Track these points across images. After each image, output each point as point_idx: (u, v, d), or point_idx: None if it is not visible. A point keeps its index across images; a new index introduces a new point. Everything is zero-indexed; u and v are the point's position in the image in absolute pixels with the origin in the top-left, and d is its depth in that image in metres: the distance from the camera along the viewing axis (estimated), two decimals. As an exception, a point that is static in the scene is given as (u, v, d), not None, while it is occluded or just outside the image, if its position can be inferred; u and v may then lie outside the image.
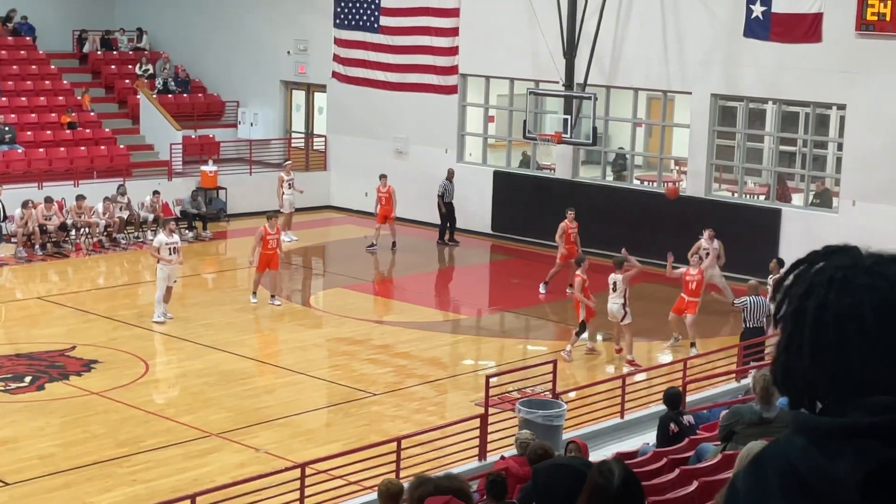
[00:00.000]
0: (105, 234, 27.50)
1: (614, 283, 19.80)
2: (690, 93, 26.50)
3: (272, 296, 22.96)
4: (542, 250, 27.55)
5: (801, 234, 24.55)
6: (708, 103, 26.16)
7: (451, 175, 28.65)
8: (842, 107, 24.72)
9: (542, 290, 24.04)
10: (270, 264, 22.80)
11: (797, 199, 26.20)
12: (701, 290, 20.16)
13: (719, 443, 10.57)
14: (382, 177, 27.91)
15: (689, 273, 20.18)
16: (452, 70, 29.12)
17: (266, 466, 14.21)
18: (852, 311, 1.74)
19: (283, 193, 28.60)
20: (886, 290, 1.75)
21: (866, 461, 1.66)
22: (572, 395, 16.14)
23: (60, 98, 32.64)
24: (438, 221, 29.00)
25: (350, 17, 30.76)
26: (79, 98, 32.80)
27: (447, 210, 28.49)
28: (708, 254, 22.18)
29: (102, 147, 31.26)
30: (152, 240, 23.90)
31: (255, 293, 22.95)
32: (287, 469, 12.96)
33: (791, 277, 1.84)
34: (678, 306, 20.17)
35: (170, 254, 21.42)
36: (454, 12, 29.00)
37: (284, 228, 26.96)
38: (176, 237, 22.10)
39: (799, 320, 1.80)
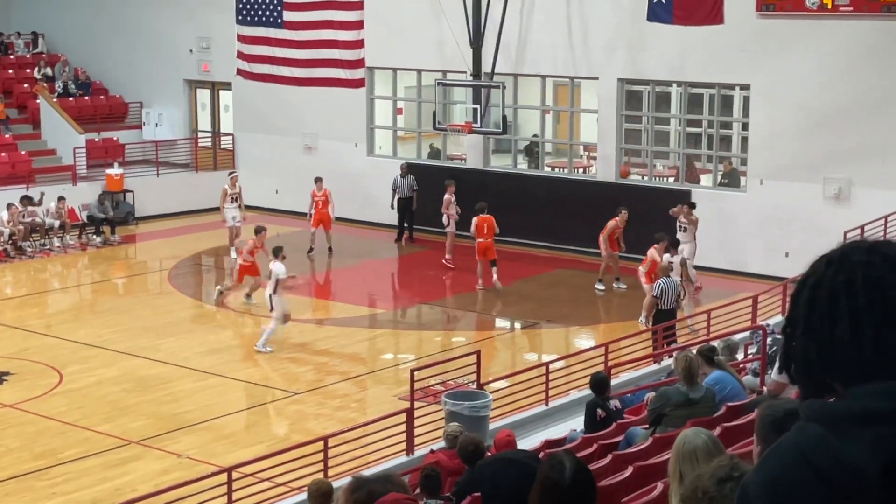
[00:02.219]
0: (10, 242, 26.87)
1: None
2: (597, 78, 26.64)
3: (247, 294, 22.67)
4: (456, 241, 27.50)
5: (712, 215, 24.83)
6: (615, 88, 26.32)
7: (403, 171, 28.03)
8: (745, 87, 25.04)
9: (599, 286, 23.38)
10: (251, 272, 22.68)
11: (706, 179, 26.50)
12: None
13: (648, 426, 10.62)
14: (318, 180, 27.13)
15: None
16: (359, 63, 28.89)
17: (190, 472, 13.96)
18: (846, 286, 1.71)
19: (226, 208, 26.69)
20: (879, 264, 1.72)
21: (887, 448, 1.61)
22: (496, 384, 16.11)
23: (-43, 105, 31.86)
24: (358, 217, 29.00)
25: (252, 12, 30.36)
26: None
27: (399, 207, 27.87)
28: (684, 228, 22.35)
29: (3, 154, 30.53)
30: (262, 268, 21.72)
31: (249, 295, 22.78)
32: (214, 474, 12.75)
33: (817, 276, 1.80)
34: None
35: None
36: (358, 5, 28.76)
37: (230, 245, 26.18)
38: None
39: (796, 301, 1.76)
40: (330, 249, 27.10)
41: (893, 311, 1.67)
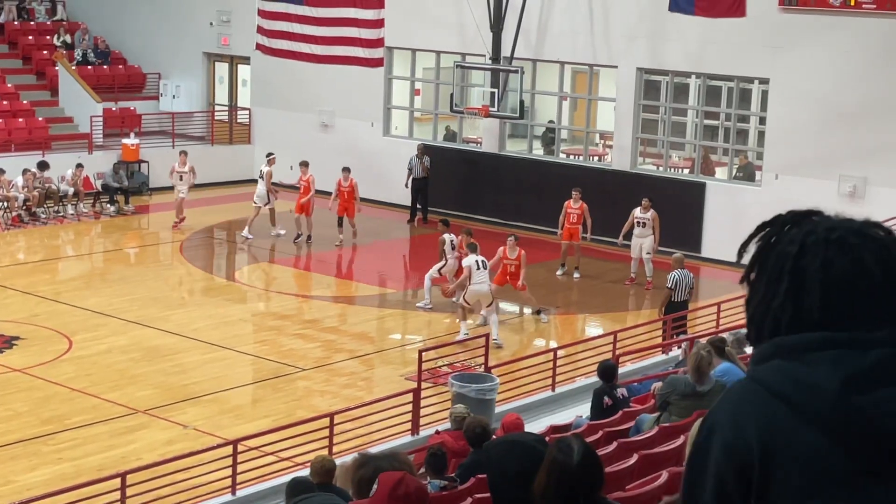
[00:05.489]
0: (24, 208, 26.95)
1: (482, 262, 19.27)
2: (616, 67, 26.58)
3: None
4: (466, 224, 27.50)
5: (726, 208, 24.82)
6: (633, 77, 26.26)
7: (420, 151, 27.94)
8: (764, 81, 24.96)
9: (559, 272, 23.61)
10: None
11: (721, 172, 26.44)
12: (521, 271, 20.05)
13: (655, 412, 10.64)
14: (345, 170, 25.90)
15: (506, 257, 20.15)
16: (378, 43, 28.84)
17: (195, 443, 14.03)
18: (855, 266, 1.79)
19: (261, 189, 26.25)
20: (879, 249, 1.82)
21: (846, 364, 1.68)
22: (504, 368, 16.12)
23: (-24, 69, 31.91)
24: (371, 196, 28.99)
25: (274, -12, 30.29)
26: None
27: (413, 188, 27.78)
28: (644, 224, 22.43)
29: (20, 120, 30.60)
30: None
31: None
32: (219, 445, 12.80)
33: (767, 239, 1.94)
34: (499, 280, 19.93)
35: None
36: (380, -16, 28.70)
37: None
38: None
39: (796, 278, 1.83)
40: (354, 233, 26.04)
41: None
